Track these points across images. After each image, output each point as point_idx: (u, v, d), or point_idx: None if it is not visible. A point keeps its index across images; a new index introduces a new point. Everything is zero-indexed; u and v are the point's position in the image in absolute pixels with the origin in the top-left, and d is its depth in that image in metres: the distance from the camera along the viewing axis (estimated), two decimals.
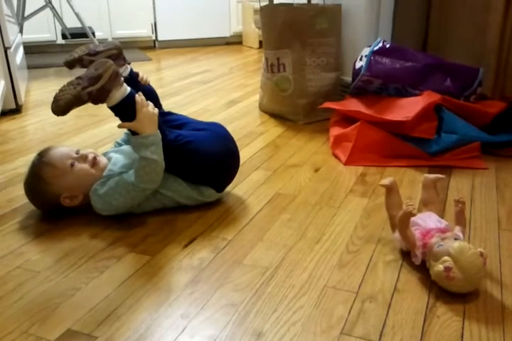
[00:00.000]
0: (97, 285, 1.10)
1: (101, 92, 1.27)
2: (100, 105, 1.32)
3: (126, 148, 1.50)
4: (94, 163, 1.40)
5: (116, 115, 1.34)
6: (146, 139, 1.31)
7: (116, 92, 1.29)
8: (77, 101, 1.27)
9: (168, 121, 1.49)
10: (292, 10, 2.25)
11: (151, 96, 1.51)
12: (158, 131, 1.34)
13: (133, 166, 1.36)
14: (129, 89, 1.32)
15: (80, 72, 1.35)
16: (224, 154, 1.45)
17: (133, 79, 1.50)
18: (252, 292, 1.07)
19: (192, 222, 1.39)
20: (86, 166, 1.39)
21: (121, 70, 1.48)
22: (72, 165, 1.37)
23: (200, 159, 1.39)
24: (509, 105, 1.93)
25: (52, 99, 1.28)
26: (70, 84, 1.29)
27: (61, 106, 1.27)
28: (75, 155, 1.39)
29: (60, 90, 1.29)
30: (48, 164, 1.37)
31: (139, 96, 1.33)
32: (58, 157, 1.38)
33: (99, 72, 1.27)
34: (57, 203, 1.38)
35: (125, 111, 1.31)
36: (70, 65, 1.48)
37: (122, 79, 1.32)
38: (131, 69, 1.53)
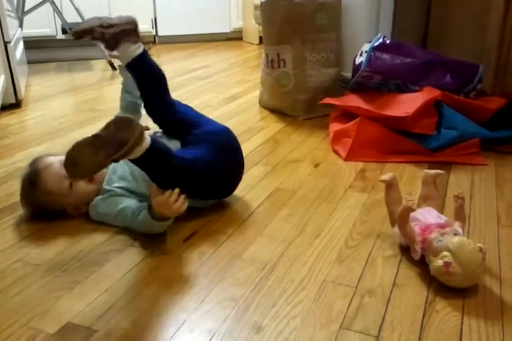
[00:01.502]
0: (97, 279, 1.10)
1: (125, 155, 1.14)
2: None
3: None
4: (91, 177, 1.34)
5: (134, 163, 1.23)
6: (160, 228, 1.26)
7: (139, 150, 1.16)
8: (99, 169, 1.15)
9: (180, 120, 1.45)
10: (292, 5, 2.24)
11: (162, 80, 1.46)
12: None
13: (132, 175, 1.35)
14: (149, 141, 1.18)
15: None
16: (233, 170, 1.42)
17: (145, 58, 1.44)
18: (251, 286, 1.08)
19: (192, 216, 1.38)
20: (84, 184, 1.35)
21: (133, 47, 1.41)
22: (69, 185, 1.33)
23: (213, 182, 1.36)
24: (509, 101, 1.93)
25: (65, 155, 1.14)
26: (88, 144, 1.13)
27: (83, 174, 1.15)
28: None
29: (76, 150, 1.13)
30: (45, 192, 1.32)
31: (153, 188, 1.21)
32: (53, 182, 1.32)
33: (124, 137, 1.12)
34: (61, 213, 1.38)
35: (145, 162, 1.22)
36: (79, 35, 1.39)
37: (146, 134, 1.18)
38: (144, 49, 1.44)
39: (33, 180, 1.34)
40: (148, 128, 1.21)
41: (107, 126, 1.14)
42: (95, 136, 1.14)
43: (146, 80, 1.43)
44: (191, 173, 1.29)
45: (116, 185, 1.36)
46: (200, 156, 1.32)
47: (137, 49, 1.42)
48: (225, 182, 1.42)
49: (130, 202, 1.31)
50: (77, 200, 1.36)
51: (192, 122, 1.45)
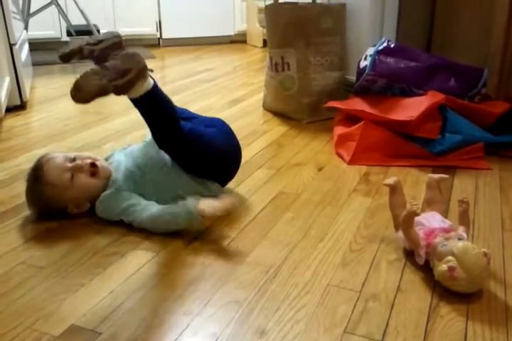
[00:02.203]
0: (101, 282, 1.11)
1: (127, 85, 1.24)
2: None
3: (129, 150, 1.49)
4: (92, 171, 1.37)
5: (136, 107, 1.32)
6: (180, 224, 1.29)
7: (141, 85, 1.26)
8: (101, 93, 1.23)
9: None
10: (297, 9, 2.25)
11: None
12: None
13: (138, 164, 1.38)
14: (152, 82, 1.30)
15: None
16: (231, 149, 1.48)
17: None
18: (255, 290, 1.07)
19: None
20: (85, 177, 1.36)
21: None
22: (71, 178, 1.35)
23: (211, 152, 1.40)
24: None
25: (73, 83, 1.23)
26: (94, 73, 1.24)
27: (85, 96, 1.23)
28: (70, 165, 1.35)
29: (83, 78, 1.24)
30: (47, 184, 1.34)
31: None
32: (55, 174, 1.34)
33: (128, 66, 1.23)
34: (64, 212, 1.39)
35: (147, 105, 1.30)
36: (68, 57, 1.39)
37: (148, 72, 1.29)
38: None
39: (36, 173, 1.37)
40: (152, 70, 1.31)
41: (112, 59, 1.27)
42: (102, 67, 1.26)
43: None
44: (189, 139, 1.35)
45: (120, 176, 1.38)
46: (197, 128, 1.40)
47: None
48: (223, 156, 1.44)
49: (138, 198, 1.34)
50: (79, 195, 1.37)
51: (189, 117, 1.50)
